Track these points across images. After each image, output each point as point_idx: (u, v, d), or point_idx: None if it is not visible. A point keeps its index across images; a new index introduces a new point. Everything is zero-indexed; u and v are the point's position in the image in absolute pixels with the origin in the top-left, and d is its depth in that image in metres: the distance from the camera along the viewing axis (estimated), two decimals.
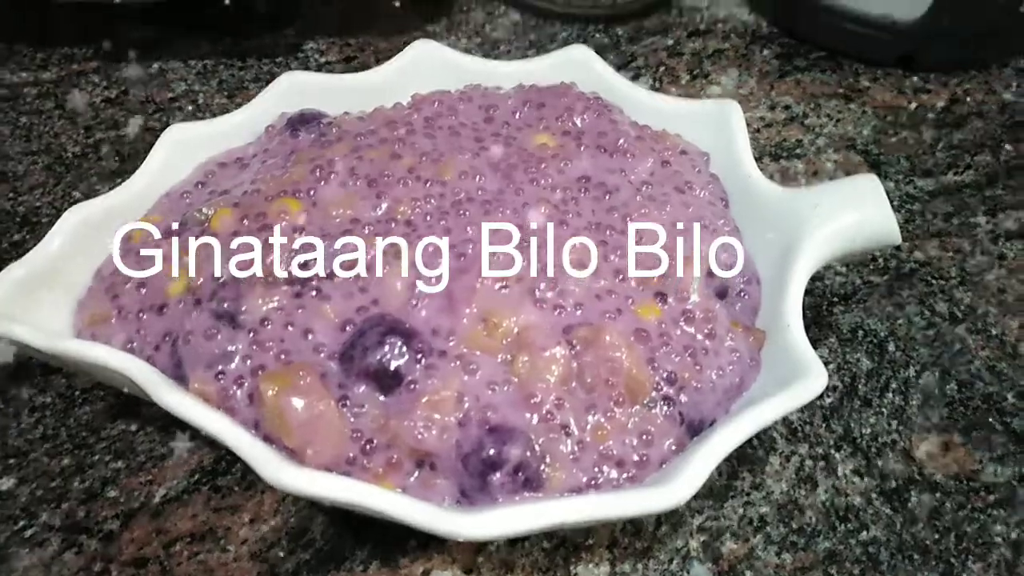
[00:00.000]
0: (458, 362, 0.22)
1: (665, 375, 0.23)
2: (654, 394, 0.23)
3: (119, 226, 0.27)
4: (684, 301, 0.24)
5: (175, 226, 0.26)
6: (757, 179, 0.28)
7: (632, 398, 0.22)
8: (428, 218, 0.26)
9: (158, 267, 0.25)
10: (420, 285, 0.24)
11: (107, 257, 0.26)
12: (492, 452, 0.21)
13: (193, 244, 0.25)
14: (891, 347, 0.32)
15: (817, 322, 0.32)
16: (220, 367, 0.23)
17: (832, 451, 0.29)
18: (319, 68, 0.42)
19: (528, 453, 0.21)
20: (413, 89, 0.31)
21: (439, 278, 0.24)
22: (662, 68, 0.44)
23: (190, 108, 0.40)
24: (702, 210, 0.27)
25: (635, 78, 0.42)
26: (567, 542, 0.26)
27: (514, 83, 0.32)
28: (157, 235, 0.26)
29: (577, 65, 0.32)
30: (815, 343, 0.29)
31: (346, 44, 0.44)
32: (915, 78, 0.44)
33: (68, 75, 0.41)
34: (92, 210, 0.26)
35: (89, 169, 0.37)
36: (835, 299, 0.33)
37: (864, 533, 0.27)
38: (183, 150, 0.28)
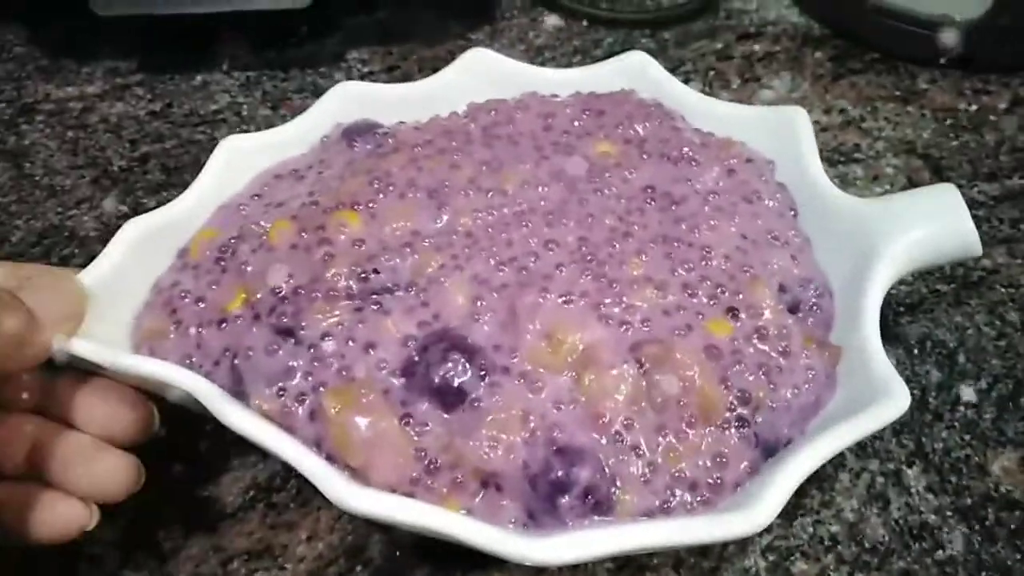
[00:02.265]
0: (522, 380, 0.22)
1: (739, 394, 0.22)
2: (728, 414, 0.22)
3: (177, 239, 0.26)
4: (756, 317, 0.23)
5: (232, 239, 0.26)
6: (827, 188, 0.27)
7: (705, 418, 0.21)
8: (490, 230, 0.25)
9: (216, 281, 0.25)
10: (482, 300, 0.23)
11: (165, 270, 0.26)
12: (561, 474, 0.20)
13: (252, 257, 0.25)
14: (961, 358, 0.31)
15: (884, 333, 0.30)
16: (281, 384, 0.22)
17: (904, 467, 0.28)
18: (362, 78, 0.42)
19: (598, 475, 0.20)
20: (468, 98, 0.31)
21: (501, 293, 0.23)
22: (712, 72, 0.43)
23: (234, 120, 0.40)
24: (771, 221, 0.26)
25: (685, 83, 0.41)
26: (632, 562, 0.25)
27: (571, 91, 0.31)
28: (214, 248, 0.26)
29: (635, 71, 0.31)
30: None
31: (388, 53, 0.44)
32: (974, 79, 0.42)
33: (113, 88, 0.42)
34: (150, 222, 0.26)
35: (136, 182, 0.37)
36: (901, 309, 0.32)
37: (940, 552, 0.26)
38: (238, 161, 0.28)
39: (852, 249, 0.25)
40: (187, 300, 0.25)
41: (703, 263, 0.24)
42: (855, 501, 0.27)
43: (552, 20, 0.46)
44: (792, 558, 0.25)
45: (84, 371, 0.23)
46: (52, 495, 0.22)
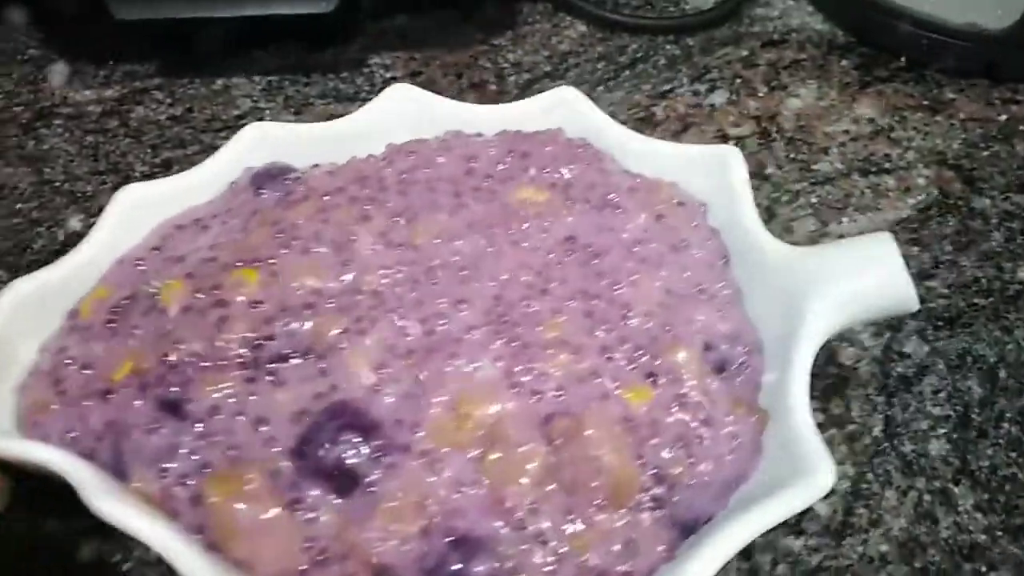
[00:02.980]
0: (423, 459, 0.20)
1: (654, 472, 0.21)
2: (642, 495, 0.20)
3: (68, 297, 0.25)
4: (678, 383, 0.22)
5: (124, 299, 0.24)
6: (759, 234, 0.26)
7: (617, 501, 0.20)
8: (397, 289, 0.24)
9: (103, 348, 0.23)
10: (386, 367, 0.22)
11: (54, 332, 0.24)
12: (458, 567, 0.19)
13: (142, 320, 0.23)
14: (1002, 373, 0.30)
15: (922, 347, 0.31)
16: (164, 464, 0.21)
17: (951, 485, 0.27)
18: (385, 83, 0.40)
19: (497, 565, 0.19)
20: (390, 137, 0.29)
21: (407, 359, 0.22)
22: (738, 80, 0.42)
23: None
24: (699, 273, 0.25)
25: (711, 90, 0.41)
26: None
27: (498, 128, 0.29)
28: (105, 310, 0.24)
29: (565, 107, 0.29)
30: (923, 370, 0.29)
31: (411, 59, 0.42)
32: (1002, 88, 0.41)
33: (131, 92, 0.40)
34: (39, 280, 0.24)
35: None
36: (940, 323, 0.31)
37: (993, 574, 0.25)
38: (140, 210, 0.26)
39: (784, 301, 0.24)
40: (73, 367, 0.23)
41: (623, 322, 0.23)
42: (903, 520, 0.26)
43: (576, 26, 0.45)
44: None
45: None
46: None
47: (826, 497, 0.24)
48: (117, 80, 0.41)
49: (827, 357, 0.30)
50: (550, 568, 0.19)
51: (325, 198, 0.26)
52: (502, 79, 0.41)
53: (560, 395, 0.21)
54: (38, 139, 0.38)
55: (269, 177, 0.27)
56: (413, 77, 0.41)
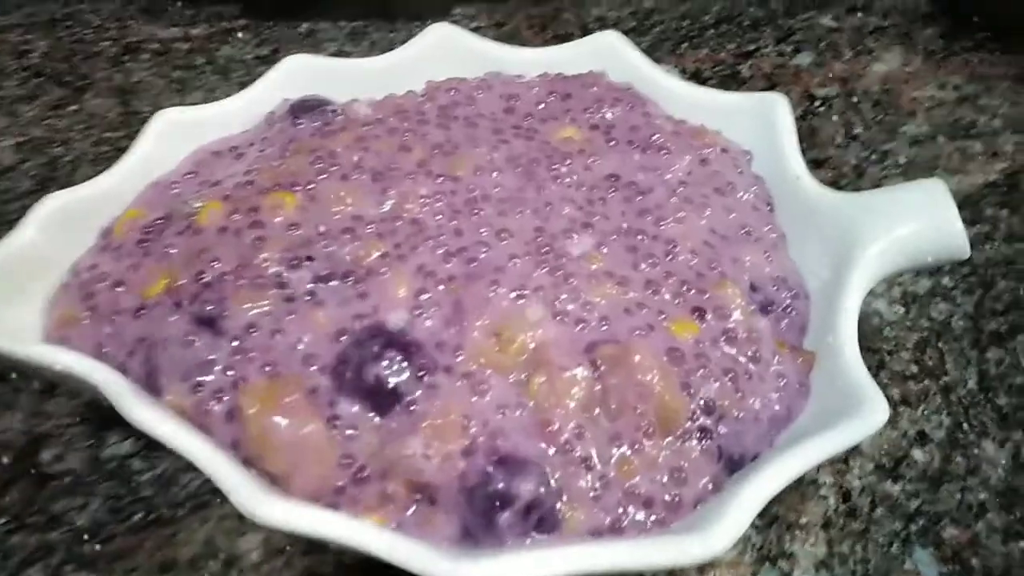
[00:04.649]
0: (465, 381, 0.20)
1: (702, 403, 0.20)
2: (689, 424, 0.20)
3: (100, 217, 0.24)
4: (724, 318, 0.21)
5: (159, 220, 0.23)
6: (806, 181, 0.25)
7: (664, 429, 0.19)
8: (438, 217, 0.23)
9: (137, 264, 0.23)
10: (426, 292, 0.21)
11: (85, 250, 0.24)
12: (501, 487, 0.18)
13: (177, 240, 0.23)
14: None
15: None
16: (198, 378, 0.20)
17: None
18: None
19: (542, 489, 0.18)
20: (429, 76, 0.29)
21: (448, 285, 0.21)
22: (823, 43, 0.42)
23: None
24: (745, 215, 0.24)
25: (796, 52, 0.41)
26: (780, 520, 0.25)
27: (538, 71, 0.29)
28: (138, 229, 0.23)
29: (607, 52, 0.29)
30: (1015, 327, 0.29)
31: (496, 9, 0.42)
32: None
33: (217, 32, 0.41)
34: (71, 198, 0.24)
35: None
36: None
37: None
38: (175, 136, 0.26)
39: (831, 247, 0.24)
40: (105, 284, 0.23)
41: (668, 258, 0.23)
42: (1000, 470, 0.26)
43: None
44: (943, 523, 0.25)
45: None
46: None
47: (923, 445, 0.24)
48: (203, 19, 0.41)
49: (919, 311, 0.30)
50: (595, 493, 0.19)
51: (364, 128, 0.25)
52: (586, 32, 0.41)
53: (604, 325, 0.21)
54: (126, 72, 0.39)
55: (307, 108, 0.27)
56: (497, 27, 0.41)
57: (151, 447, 0.26)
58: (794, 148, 0.26)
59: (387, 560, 0.17)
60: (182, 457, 0.19)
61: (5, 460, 0.27)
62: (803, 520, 0.25)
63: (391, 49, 0.38)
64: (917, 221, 0.23)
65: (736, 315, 0.22)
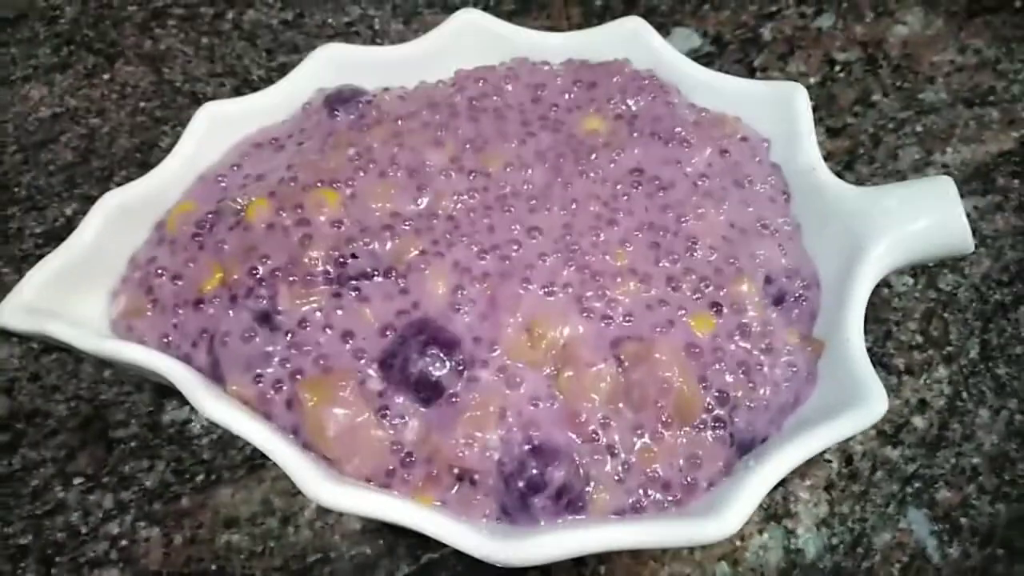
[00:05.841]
0: (501, 375, 0.22)
1: (717, 395, 0.22)
2: (705, 416, 0.22)
3: (155, 210, 0.26)
4: (740, 313, 0.23)
5: (210, 214, 0.25)
6: (822, 173, 0.26)
7: (682, 420, 0.21)
8: (471, 214, 0.25)
9: (193, 258, 0.24)
10: (462, 289, 0.23)
11: (142, 243, 0.26)
12: (535, 474, 0.20)
13: (229, 235, 0.24)
14: None
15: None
16: (259, 370, 0.22)
17: None
18: (487, 7, 0.40)
19: (572, 476, 0.21)
20: (456, 62, 0.29)
21: (483, 282, 0.23)
22: (844, 4, 0.42)
23: (367, 32, 0.40)
24: (761, 207, 0.26)
25: (818, 13, 0.41)
26: (786, 482, 0.27)
27: (562, 57, 0.30)
28: (191, 224, 0.25)
29: (631, 38, 0.30)
30: (1020, 298, 0.30)
31: None
32: None
33: None
34: (127, 196, 0.25)
35: None
36: None
37: None
38: (218, 129, 0.27)
39: (843, 239, 0.25)
40: (164, 277, 0.24)
41: (688, 254, 0.24)
42: (995, 436, 0.28)
43: None
44: (936, 486, 0.27)
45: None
46: None
47: (923, 412, 0.26)
48: None
49: (927, 282, 0.31)
50: (619, 477, 0.21)
51: (398, 122, 0.27)
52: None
53: (629, 321, 0.23)
54: (154, 39, 0.39)
55: (342, 99, 0.28)
56: (524, 0, 0.41)
57: None
58: (811, 138, 0.27)
59: (437, 538, 0.19)
60: None
61: (73, 425, 0.30)
62: (808, 483, 0.27)
63: (412, 12, 0.39)
64: (927, 219, 0.24)
65: (751, 310, 0.23)
